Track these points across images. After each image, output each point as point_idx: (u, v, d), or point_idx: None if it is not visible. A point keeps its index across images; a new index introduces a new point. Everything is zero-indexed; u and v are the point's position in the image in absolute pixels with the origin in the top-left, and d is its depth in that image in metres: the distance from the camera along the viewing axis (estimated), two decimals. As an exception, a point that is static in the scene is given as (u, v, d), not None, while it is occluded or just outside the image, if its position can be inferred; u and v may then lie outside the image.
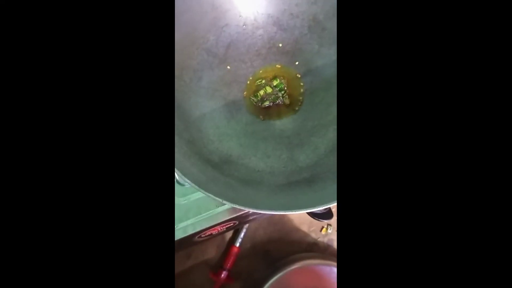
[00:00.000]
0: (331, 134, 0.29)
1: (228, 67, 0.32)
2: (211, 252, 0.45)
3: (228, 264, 0.44)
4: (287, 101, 0.32)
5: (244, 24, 0.32)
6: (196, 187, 0.22)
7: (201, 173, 0.24)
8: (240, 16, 0.31)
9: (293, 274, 0.43)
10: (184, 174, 0.22)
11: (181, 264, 0.43)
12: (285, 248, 0.47)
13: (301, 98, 0.32)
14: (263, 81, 0.32)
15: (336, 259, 0.46)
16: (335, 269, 0.43)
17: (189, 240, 0.34)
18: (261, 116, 0.32)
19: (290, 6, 0.31)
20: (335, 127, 0.29)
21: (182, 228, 0.31)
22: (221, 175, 0.26)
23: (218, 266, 0.45)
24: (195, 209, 0.31)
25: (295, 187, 0.26)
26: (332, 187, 0.24)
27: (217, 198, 0.21)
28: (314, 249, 0.48)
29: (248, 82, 0.33)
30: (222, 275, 0.44)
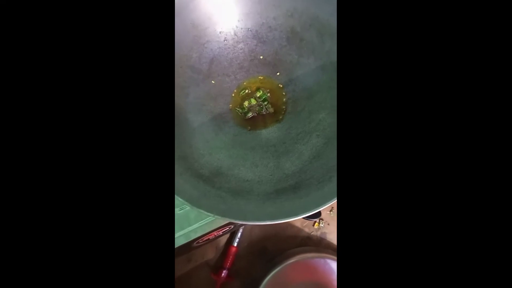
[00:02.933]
0: (314, 140, 0.31)
1: (213, 82, 0.33)
2: (211, 254, 0.47)
3: (228, 264, 0.47)
4: (271, 110, 0.33)
5: (225, 39, 0.33)
6: (189, 205, 0.23)
7: (193, 189, 0.26)
8: (220, 32, 0.32)
9: (289, 268, 0.45)
10: (178, 192, 0.24)
11: (182, 267, 0.46)
12: (280, 244, 0.49)
13: (284, 107, 0.33)
14: (247, 90, 0.34)
15: (329, 251, 0.49)
16: (329, 261, 0.46)
17: (188, 246, 0.36)
18: (248, 127, 0.33)
19: (268, 19, 0.32)
20: (318, 133, 0.31)
21: (182, 236, 0.33)
22: (212, 188, 0.28)
23: (218, 266, 0.47)
24: (192, 218, 0.33)
25: (282, 195, 0.27)
26: (315, 193, 0.26)
27: (209, 214, 0.23)
28: (308, 243, 0.50)
29: (233, 95, 0.34)
30: (223, 274, 0.46)
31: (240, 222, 0.23)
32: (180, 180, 0.26)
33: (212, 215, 0.23)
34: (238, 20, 0.32)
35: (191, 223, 0.33)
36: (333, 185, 0.26)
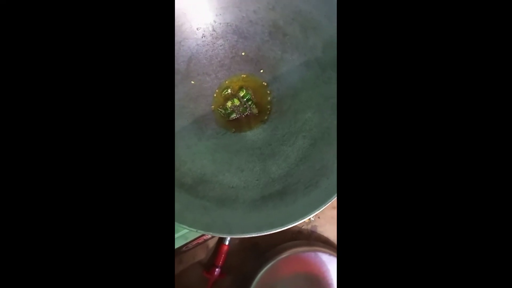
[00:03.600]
0: (300, 142, 0.30)
1: (192, 82, 0.31)
2: (202, 254, 0.47)
3: (220, 262, 0.47)
4: (255, 111, 0.32)
5: (203, 36, 0.30)
6: (170, 220, 0.22)
7: (175, 201, 0.25)
8: (197, 29, 0.30)
9: (281, 263, 0.46)
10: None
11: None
12: (272, 239, 0.49)
13: (269, 106, 0.32)
14: (229, 90, 0.32)
15: (319, 244, 0.49)
16: (320, 254, 0.46)
17: (178, 250, 0.36)
18: (232, 129, 0.32)
19: (248, 13, 0.30)
20: (304, 134, 0.30)
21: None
22: (196, 198, 0.26)
23: (210, 265, 0.47)
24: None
25: (268, 201, 0.27)
26: (302, 200, 0.26)
27: (191, 229, 0.22)
28: (299, 237, 0.51)
29: (215, 95, 0.32)
30: (215, 273, 0.46)
31: (225, 236, 0.22)
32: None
33: (195, 230, 0.22)
34: (216, 15, 0.30)
35: (181, 229, 0.32)
36: (319, 191, 0.25)
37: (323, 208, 0.23)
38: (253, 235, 0.22)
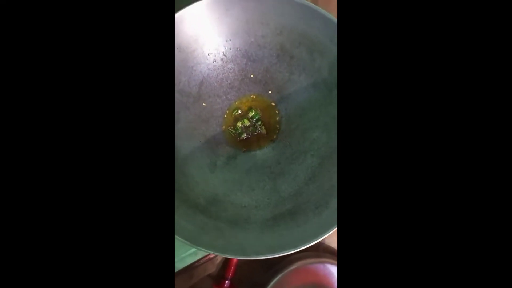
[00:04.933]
0: (309, 160, 0.31)
1: (204, 104, 0.33)
2: (212, 268, 0.47)
3: (230, 274, 0.47)
4: (264, 131, 0.33)
5: (214, 60, 0.32)
6: (188, 243, 0.23)
7: (190, 223, 0.26)
8: (208, 54, 0.31)
9: (291, 274, 0.46)
10: (175, 230, 0.24)
11: (184, 284, 0.46)
12: (280, 250, 0.50)
13: (277, 126, 0.33)
14: (239, 111, 0.33)
15: (327, 255, 0.50)
16: (328, 266, 0.47)
17: (189, 266, 0.37)
18: (243, 148, 0.33)
19: (256, 38, 0.31)
20: (312, 153, 0.31)
21: (182, 259, 0.34)
22: (210, 219, 0.27)
23: (220, 277, 0.48)
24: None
25: (280, 221, 0.27)
26: (313, 220, 0.26)
27: (208, 251, 0.23)
28: (307, 248, 0.51)
29: (225, 116, 0.33)
30: (225, 285, 0.47)
31: (240, 258, 0.23)
32: (176, 217, 0.26)
33: (211, 252, 0.23)
34: (226, 40, 0.31)
35: (191, 247, 0.33)
36: (330, 211, 0.26)
37: (334, 230, 0.24)
38: (267, 257, 0.23)
